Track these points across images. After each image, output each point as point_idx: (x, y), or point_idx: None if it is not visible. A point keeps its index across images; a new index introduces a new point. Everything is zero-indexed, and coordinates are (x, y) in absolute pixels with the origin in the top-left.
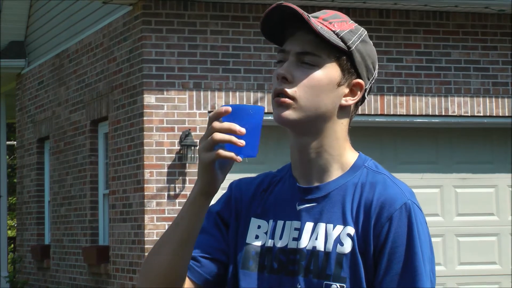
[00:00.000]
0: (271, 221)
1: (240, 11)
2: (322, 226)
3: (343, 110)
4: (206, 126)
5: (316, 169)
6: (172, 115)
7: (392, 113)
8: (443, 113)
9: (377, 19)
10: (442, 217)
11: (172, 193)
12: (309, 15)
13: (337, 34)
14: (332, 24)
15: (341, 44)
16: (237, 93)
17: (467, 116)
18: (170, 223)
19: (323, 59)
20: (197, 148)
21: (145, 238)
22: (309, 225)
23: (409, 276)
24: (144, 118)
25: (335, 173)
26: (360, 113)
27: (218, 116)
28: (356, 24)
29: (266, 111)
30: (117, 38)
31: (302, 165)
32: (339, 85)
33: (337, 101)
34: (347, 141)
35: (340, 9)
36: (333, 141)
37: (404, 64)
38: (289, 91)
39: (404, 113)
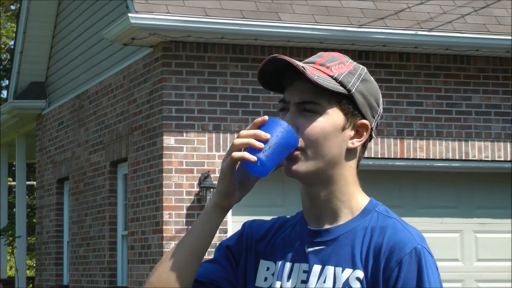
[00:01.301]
0: (279, 263)
1: (260, 54)
2: (330, 269)
3: (350, 153)
4: None
5: (326, 213)
6: (191, 157)
7: (412, 157)
8: (464, 158)
9: (397, 63)
10: (462, 262)
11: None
12: (304, 64)
13: (335, 79)
14: (330, 68)
15: (341, 89)
16: None
17: (488, 161)
18: None
19: (324, 106)
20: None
21: None
22: (317, 268)
23: None
24: (164, 159)
25: (345, 217)
26: (379, 156)
27: (253, 126)
28: (355, 63)
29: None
30: (137, 80)
31: (313, 209)
32: (343, 129)
33: (343, 145)
34: (357, 185)
35: (360, 52)
36: (342, 186)
37: (424, 108)
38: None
39: (424, 157)
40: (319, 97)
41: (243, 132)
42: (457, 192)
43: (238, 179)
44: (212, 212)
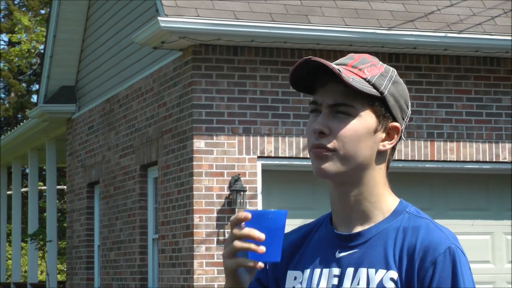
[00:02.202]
0: (307, 271)
1: (290, 57)
2: (363, 271)
3: (380, 155)
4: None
5: (357, 215)
6: (222, 160)
7: (442, 159)
8: (494, 159)
9: (427, 65)
10: (493, 264)
11: (221, 238)
12: (338, 66)
13: (368, 81)
14: (362, 70)
15: (374, 92)
16: (286, 139)
17: None
18: (220, 268)
19: (357, 108)
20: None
21: (194, 283)
22: (350, 271)
23: None
24: (194, 163)
25: (376, 219)
26: (410, 159)
27: (237, 222)
28: (386, 65)
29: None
30: (167, 83)
31: (343, 211)
32: (375, 131)
33: (374, 147)
34: (386, 186)
35: (390, 55)
36: (371, 187)
37: (455, 110)
38: (328, 144)
39: (455, 159)
40: (353, 99)
41: (236, 232)
42: (487, 194)
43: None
44: None
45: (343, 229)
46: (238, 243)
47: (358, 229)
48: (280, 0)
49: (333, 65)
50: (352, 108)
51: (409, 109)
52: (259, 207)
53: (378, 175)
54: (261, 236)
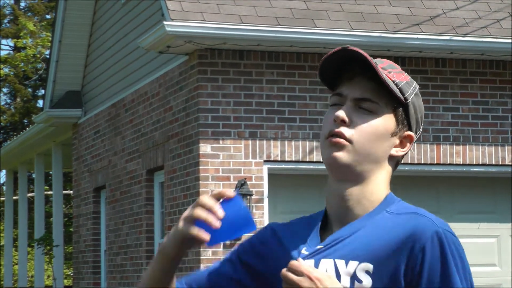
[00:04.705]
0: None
1: (296, 61)
2: (339, 262)
3: (391, 160)
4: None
5: (352, 217)
6: (228, 164)
7: (448, 162)
8: (500, 163)
9: (433, 68)
10: (499, 267)
11: (227, 242)
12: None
13: (396, 85)
14: (391, 74)
15: (400, 95)
16: (293, 142)
17: None
18: None
19: (381, 107)
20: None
21: None
22: (324, 262)
23: None
24: (200, 167)
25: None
26: (416, 162)
27: (219, 196)
28: (410, 76)
29: (257, 225)
30: (173, 88)
31: (340, 211)
32: (392, 135)
33: (388, 150)
34: (388, 189)
35: (396, 58)
36: (375, 187)
37: (461, 113)
38: (347, 133)
39: (461, 163)
40: (379, 98)
41: (204, 201)
42: (493, 197)
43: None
44: (159, 257)
45: (336, 226)
46: (199, 211)
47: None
48: (286, 4)
49: (371, 58)
50: (377, 105)
51: (422, 125)
52: (265, 211)
53: (383, 178)
54: (221, 213)
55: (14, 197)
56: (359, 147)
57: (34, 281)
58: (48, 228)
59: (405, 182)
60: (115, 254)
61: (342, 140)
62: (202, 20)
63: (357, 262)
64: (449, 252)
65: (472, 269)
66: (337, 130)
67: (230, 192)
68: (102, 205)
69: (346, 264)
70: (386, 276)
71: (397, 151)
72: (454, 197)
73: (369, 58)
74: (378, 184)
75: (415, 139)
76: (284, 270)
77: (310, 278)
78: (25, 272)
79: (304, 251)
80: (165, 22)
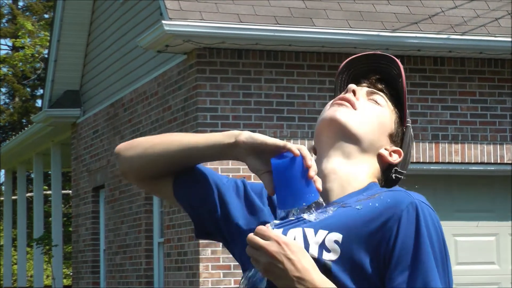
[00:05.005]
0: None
1: (294, 60)
2: (308, 231)
3: (379, 159)
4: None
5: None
6: (227, 163)
7: (447, 161)
8: (499, 161)
9: (431, 67)
10: (498, 265)
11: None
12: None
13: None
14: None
15: (407, 114)
16: (292, 141)
17: None
18: (226, 271)
19: (389, 106)
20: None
21: (200, 287)
22: (293, 231)
23: (421, 277)
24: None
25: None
26: (414, 161)
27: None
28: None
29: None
30: (171, 87)
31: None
32: (388, 134)
33: (379, 146)
34: (376, 179)
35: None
36: (359, 174)
37: (459, 112)
38: (354, 102)
39: (459, 161)
40: (389, 99)
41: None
42: (492, 196)
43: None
44: (216, 140)
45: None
46: (306, 151)
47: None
48: (285, 3)
49: (402, 68)
50: (386, 103)
51: (407, 166)
52: None
53: (370, 170)
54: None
55: (13, 197)
56: (360, 120)
57: (33, 281)
58: (47, 228)
59: (403, 180)
60: (114, 253)
61: (347, 103)
62: (201, 19)
63: (326, 231)
64: (423, 226)
65: (471, 267)
66: (346, 96)
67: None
68: (101, 205)
69: (315, 233)
70: (356, 247)
71: (384, 153)
72: (453, 195)
73: (401, 68)
74: (363, 172)
75: (397, 167)
76: (251, 234)
77: (278, 243)
78: (24, 272)
79: (275, 221)
80: (163, 21)
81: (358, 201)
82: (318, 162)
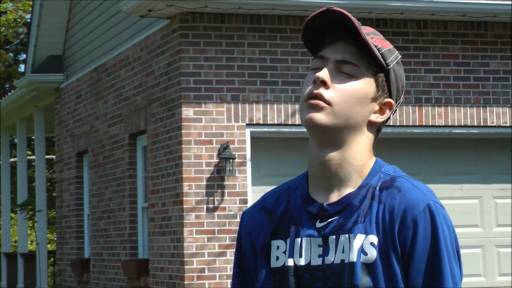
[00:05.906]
0: (288, 240)
1: (277, 23)
2: (344, 238)
3: (370, 126)
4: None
5: (336, 183)
6: (210, 128)
7: (430, 124)
8: (482, 124)
9: (414, 30)
10: (482, 228)
11: (211, 205)
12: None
13: (378, 50)
14: (374, 39)
15: (382, 60)
16: (275, 106)
17: (506, 127)
18: (210, 235)
19: (362, 71)
20: None
21: (185, 251)
22: (332, 239)
23: (436, 276)
24: (182, 131)
25: (354, 183)
26: (398, 124)
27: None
28: (392, 46)
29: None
30: (154, 52)
31: (323, 180)
32: (372, 100)
33: (367, 116)
34: (371, 154)
35: (377, 20)
36: (356, 152)
37: (442, 75)
38: (326, 95)
39: (443, 124)
40: (360, 61)
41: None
42: (476, 158)
43: None
44: None
45: (320, 195)
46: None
47: (335, 195)
48: None
49: (355, 19)
50: (358, 68)
51: (403, 95)
52: (248, 174)
53: (364, 142)
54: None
55: None
56: (338, 110)
57: (17, 246)
58: (31, 193)
59: (387, 144)
60: (98, 218)
61: (321, 102)
62: None
63: (364, 235)
64: (440, 228)
65: (455, 230)
66: (316, 91)
67: None
68: (85, 170)
69: (355, 237)
70: (386, 246)
71: (376, 117)
72: (436, 158)
73: (354, 19)
74: (359, 149)
75: (395, 108)
76: None
77: None
78: (8, 237)
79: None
80: None
81: (373, 199)
82: (313, 150)
